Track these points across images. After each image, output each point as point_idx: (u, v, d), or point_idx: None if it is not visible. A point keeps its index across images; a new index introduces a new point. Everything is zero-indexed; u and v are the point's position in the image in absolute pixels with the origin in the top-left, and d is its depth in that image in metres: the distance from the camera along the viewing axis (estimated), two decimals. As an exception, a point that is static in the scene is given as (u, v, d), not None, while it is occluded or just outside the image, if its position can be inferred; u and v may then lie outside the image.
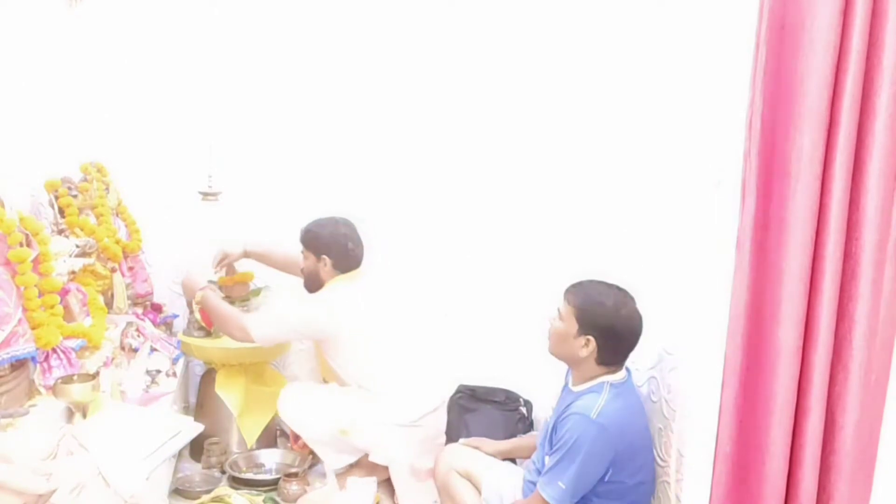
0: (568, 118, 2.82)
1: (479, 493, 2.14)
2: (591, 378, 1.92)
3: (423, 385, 2.66)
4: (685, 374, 1.83)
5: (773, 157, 1.54)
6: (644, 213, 2.19)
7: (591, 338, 1.89)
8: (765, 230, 1.57)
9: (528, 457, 2.39)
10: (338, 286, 2.53)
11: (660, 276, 2.06)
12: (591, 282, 1.98)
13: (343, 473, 2.58)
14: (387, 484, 2.60)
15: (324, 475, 2.65)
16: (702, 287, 1.76)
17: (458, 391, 3.06)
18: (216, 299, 2.56)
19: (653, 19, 2.17)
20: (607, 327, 1.88)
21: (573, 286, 1.98)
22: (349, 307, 2.50)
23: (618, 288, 1.96)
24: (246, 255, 2.83)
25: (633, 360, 2.19)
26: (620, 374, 1.93)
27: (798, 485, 1.60)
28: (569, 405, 1.90)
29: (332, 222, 2.56)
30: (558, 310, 1.98)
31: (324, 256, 2.54)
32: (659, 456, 2.01)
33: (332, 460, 2.54)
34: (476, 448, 2.28)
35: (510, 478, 2.14)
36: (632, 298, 1.94)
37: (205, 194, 2.94)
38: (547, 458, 1.91)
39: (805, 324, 1.55)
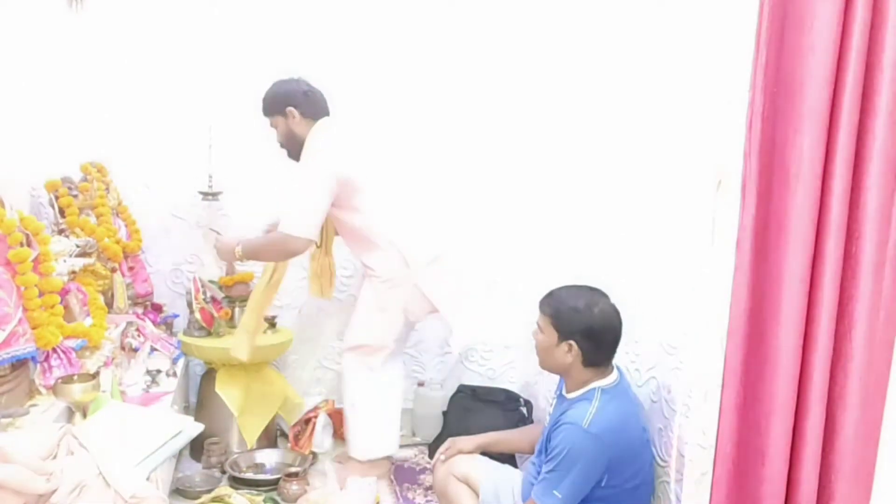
0: (569, 120, 2.83)
1: (478, 496, 2.14)
2: (583, 384, 1.93)
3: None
4: (685, 375, 1.83)
5: (774, 157, 1.55)
6: (645, 214, 2.19)
7: (572, 342, 1.90)
8: (765, 230, 1.57)
9: (515, 451, 2.37)
10: (319, 133, 2.49)
11: (660, 275, 2.06)
12: (561, 288, 2.00)
13: (343, 474, 2.58)
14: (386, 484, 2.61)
15: (324, 475, 2.65)
16: (702, 287, 1.76)
17: (458, 391, 3.06)
18: (253, 240, 2.53)
19: (653, 20, 2.17)
20: (585, 328, 1.89)
21: (545, 297, 2.00)
22: (345, 142, 2.49)
23: (588, 288, 1.98)
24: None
25: (633, 360, 2.19)
26: (612, 378, 1.93)
27: (798, 484, 1.61)
28: (562, 414, 1.91)
29: (283, 82, 2.55)
30: (537, 323, 2.00)
31: (290, 109, 2.51)
32: (659, 456, 2.01)
33: None
34: (449, 449, 2.26)
35: (508, 480, 2.14)
36: (604, 295, 1.96)
37: (205, 194, 2.95)
38: (544, 465, 1.91)
39: (805, 323, 1.55)
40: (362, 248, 2.56)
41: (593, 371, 1.92)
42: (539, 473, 1.93)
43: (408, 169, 2.92)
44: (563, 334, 1.91)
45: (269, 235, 2.53)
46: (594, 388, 1.90)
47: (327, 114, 2.57)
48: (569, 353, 1.90)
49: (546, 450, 1.91)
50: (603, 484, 1.84)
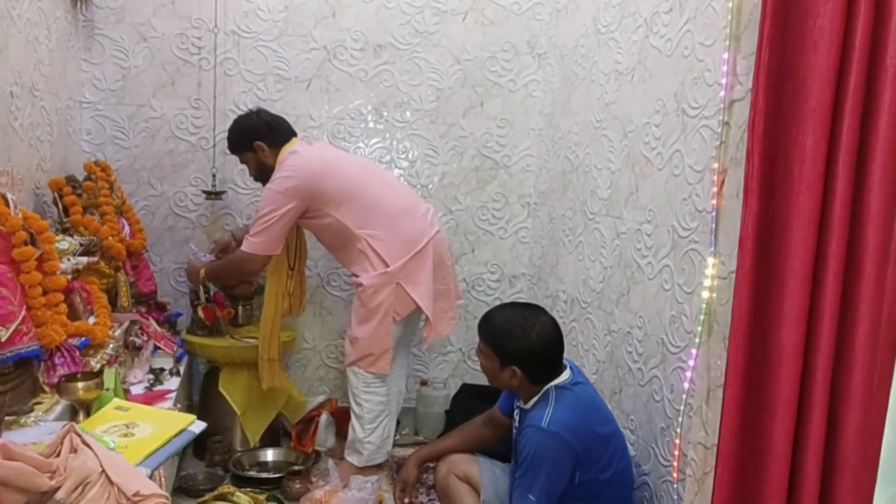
0: (570, 119, 2.82)
1: (479, 495, 2.14)
2: (537, 392, 1.94)
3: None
4: (688, 374, 1.83)
5: (776, 157, 1.54)
6: (646, 213, 2.18)
7: (515, 368, 1.91)
8: (767, 229, 1.57)
9: (452, 453, 2.25)
10: (285, 156, 2.54)
11: (660, 275, 2.06)
12: (497, 310, 2.00)
13: (345, 472, 2.58)
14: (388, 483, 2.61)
15: (327, 473, 2.65)
16: (703, 286, 1.76)
17: (461, 390, 3.07)
18: (214, 264, 2.72)
19: (654, 18, 2.17)
20: (526, 354, 1.90)
21: (482, 321, 2.00)
22: (309, 151, 2.57)
23: (523, 307, 1.99)
24: (234, 237, 2.87)
25: (635, 359, 2.19)
26: (564, 376, 1.94)
27: (801, 485, 1.60)
28: (523, 420, 1.93)
29: (245, 118, 2.63)
30: (479, 346, 2.00)
31: (258, 144, 2.58)
32: (662, 455, 2.01)
33: None
34: (403, 491, 2.22)
35: (509, 479, 2.14)
36: (540, 312, 1.96)
37: (208, 193, 2.96)
38: (516, 472, 1.92)
39: (807, 323, 1.55)
40: (345, 258, 2.60)
41: (542, 384, 1.93)
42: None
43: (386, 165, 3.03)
44: (505, 361, 1.92)
45: (229, 257, 2.71)
46: (548, 389, 1.91)
47: (294, 135, 2.63)
48: (513, 377, 1.92)
49: (515, 458, 1.92)
50: (576, 480, 1.84)
